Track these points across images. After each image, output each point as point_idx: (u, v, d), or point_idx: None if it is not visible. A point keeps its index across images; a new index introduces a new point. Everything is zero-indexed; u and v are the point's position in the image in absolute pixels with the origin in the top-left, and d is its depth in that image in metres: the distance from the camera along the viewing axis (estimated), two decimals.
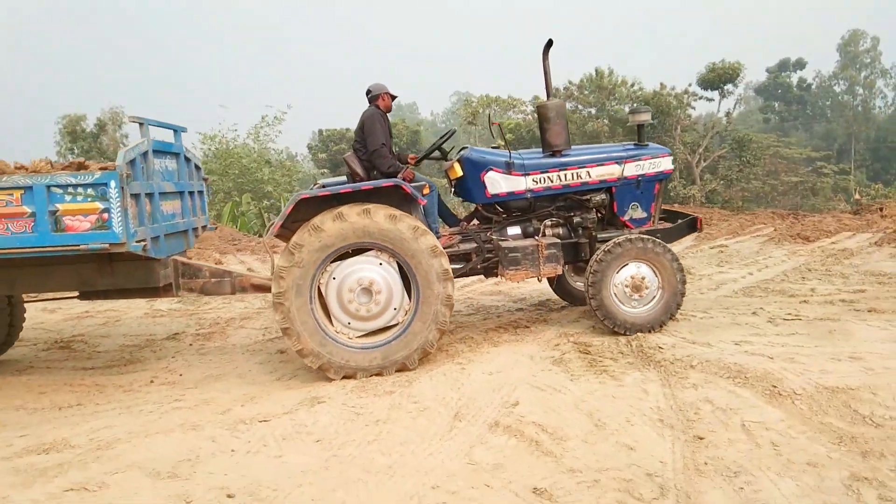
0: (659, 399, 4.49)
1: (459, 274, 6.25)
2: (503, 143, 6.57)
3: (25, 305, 7.22)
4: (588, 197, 6.40)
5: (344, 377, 5.48)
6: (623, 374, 5.03)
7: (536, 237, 6.20)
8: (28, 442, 4.43)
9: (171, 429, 4.54)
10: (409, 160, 6.34)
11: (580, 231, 6.41)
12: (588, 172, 6.32)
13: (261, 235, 19.25)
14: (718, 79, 26.95)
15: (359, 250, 5.61)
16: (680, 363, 5.11)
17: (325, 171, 33.25)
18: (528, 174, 6.27)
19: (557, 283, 7.47)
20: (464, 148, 6.60)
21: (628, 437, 3.98)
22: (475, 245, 6.26)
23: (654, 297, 6.00)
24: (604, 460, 3.72)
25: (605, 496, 3.34)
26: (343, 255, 5.61)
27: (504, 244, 6.10)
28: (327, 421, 4.59)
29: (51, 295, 6.82)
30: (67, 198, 5.04)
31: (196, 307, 9.55)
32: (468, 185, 6.33)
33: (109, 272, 5.75)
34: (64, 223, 5.06)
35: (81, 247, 5.05)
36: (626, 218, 6.48)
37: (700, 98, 27.49)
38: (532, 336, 6.27)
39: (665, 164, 6.44)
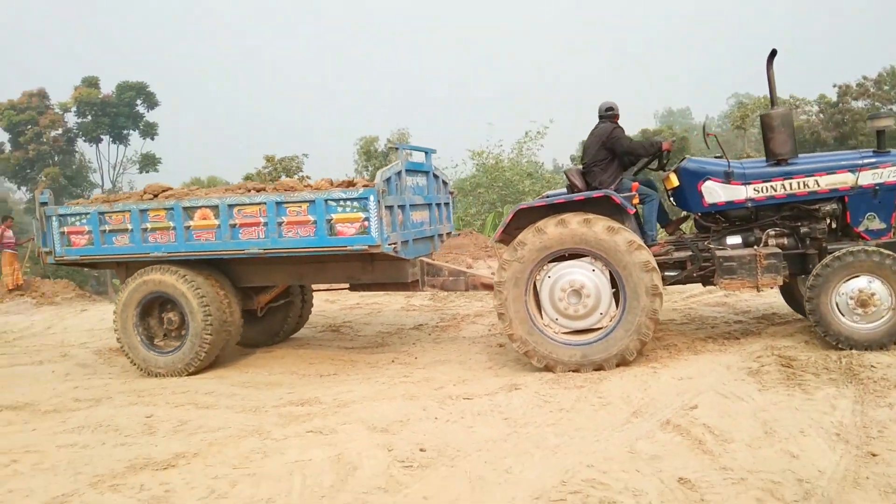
0: (845, 415, 4.36)
1: (673, 282, 6.40)
2: (722, 153, 6.54)
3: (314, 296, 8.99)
4: (817, 206, 6.17)
5: (545, 367, 6.03)
6: (817, 388, 4.89)
7: (756, 247, 6.12)
8: (292, 397, 5.78)
9: (394, 397, 5.56)
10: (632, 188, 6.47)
11: (808, 241, 6.20)
12: (816, 181, 6.12)
13: None
14: None
15: (575, 255, 6.07)
16: (885, 382, 4.81)
17: None
18: (749, 183, 6.21)
19: (790, 295, 7.25)
20: (682, 159, 6.75)
21: (795, 446, 4.00)
22: (690, 254, 6.33)
23: (883, 316, 5.65)
24: (760, 463, 3.83)
25: (746, 493, 3.50)
26: (561, 258, 6.12)
27: (720, 253, 6.10)
28: (518, 404, 5.23)
29: (335, 286, 8.34)
30: (339, 209, 6.36)
31: (443, 304, 10.81)
32: (685, 195, 6.43)
33: (370, 269, 6.96)
34: (336, 229, 6.39)
35: (348, 248, 6.37)
36: (860, 229, 6.14)
37: None
38: (737, 347, 6.23)
39: None
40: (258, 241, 6.57)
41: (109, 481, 4.09)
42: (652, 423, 4.60)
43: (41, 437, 5.08)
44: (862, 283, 5.64)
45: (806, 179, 6.13)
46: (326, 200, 6.35)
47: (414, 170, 7.23)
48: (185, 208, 6.76)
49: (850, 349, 5.60)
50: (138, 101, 40.16)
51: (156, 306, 7.22)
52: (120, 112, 39.32)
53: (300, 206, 6.46)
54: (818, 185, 6.11)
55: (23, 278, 13.76)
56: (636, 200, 6.24)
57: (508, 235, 6.43)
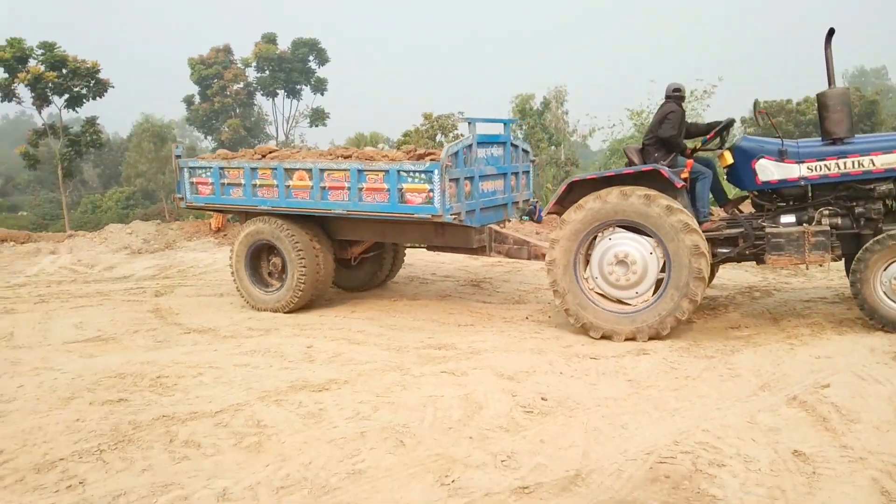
0: None
1: (724, 259, 6.50)
2: (776, 131, 6.54)
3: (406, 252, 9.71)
4: (872, 186, 6.07)
5: (602, 337, 6.23)
6: None
7: (806, 225, 6.10)
8: (431, 341, 6.31)
9: (523, 350, 5.92)
10: (686, 153, 6.72)
11: (862, 222, 6.10)
12: (872, 161, 6.00)
13: None
14: None
15: (625, 227, 6.23)
16: None
17: None
18: (803, 162, 6.18)
19: None
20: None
21: None
22: (742, 230, 6.34)
23: None
24: (884, 446, 3.78)
25: (862, 472, 3.51)
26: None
27: (770, 230, 6.15)
28: (645, 367, 5.39)
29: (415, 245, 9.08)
30: (409, 180, 6.92)
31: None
32: (739, 173, 6.46)
33: (442, 233, 7.59)
34: (406, 197, 6.97)
35: (414, 216, 7.01)
36: None
37: None
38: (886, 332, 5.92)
39: None
40: (342, 203, 7.36)
41: (274, 396, 4.84)
42: (778, 398, 4.61)
43: (221, 357, 5.99)
44: None
45: (861, 159, 6.03)
46: (399, 171, 6.95)
47: (488, 142, 7.62)
48: (285, 169, 7.67)
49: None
50: (311, 58, 42.64)
51: (264, 251, 8.24)
52: (294, 68, 42.01)
53: (377, 175, 7.12)
54: (873, 165, 6.00)
55: (224, 222, 15.41)
56: (685, 175, 6.31)
57: (563, 208, 6.60)
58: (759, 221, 6.37)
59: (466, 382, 5.04)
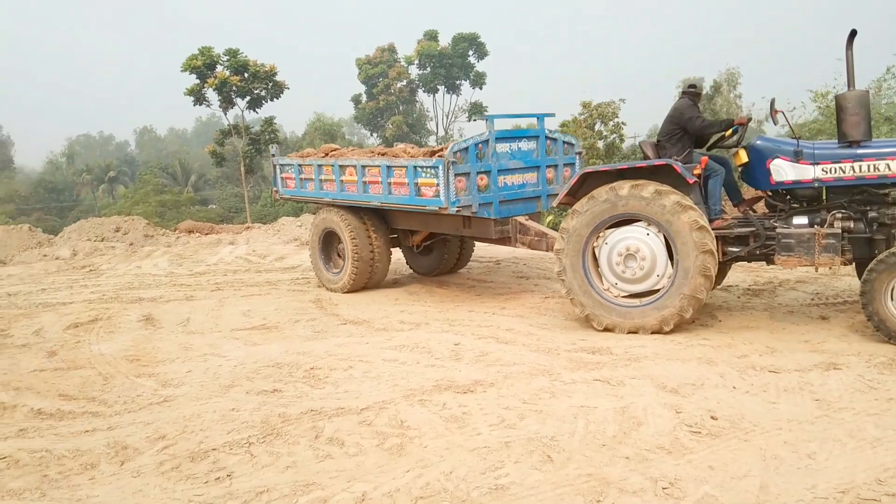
0: None
1: (735, 257, 6.45)
2: (791, 132, 6.51)
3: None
4: (887, 191, 5.94)
5: (605, 329, 6.30)
6: None
7: (818, 226, 6.03)
8: (584, 344, 5.91)
9: (689, 359, 5.35)
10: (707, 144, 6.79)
11: (875, 227, 5.98)
12: (888, 165, 5.86)
13: None
14: None
15: (634, 220, 6.26)
16: None
17: None
18: (818, 163, 6.10)
19: None
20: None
21: None
22: (753, 230, 6.28)
23: None
24: None
25: None
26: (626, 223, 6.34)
27: (781, 230, 6.11)
28: (835, 386, 4.65)
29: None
30: (423, 175, 7.50)
31: (758, 266, 9.92)
32: (753, 172, 6.41)
33: (468, 225, 7.98)
34: (422, 191, 7.56)
35: (426, 207, 7.62)
36: None
37: None
38: None
39: None
40: (378, 196, 8.21)
41: (419, 395, 4.71)
42: None
43: (371, 350, 6.00)
44: None
45: (876, 163, 5.92)
46: (415, 167, 7.59)
47: (514, 136, 8.07)
48: (340, 166, 8.65)
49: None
50: (470, 52, 43.05)
51: (335, 238, 9.16)
52: (454, 63, 42.63)
53: (401, 170, 7.79)
54: (889, 170, 5.87)
55: None
56: (697, 171, 6.27)
57: (574, 199, 6.62)
58: (772, 222, 6.31)
59: (623, 394, 4.60)
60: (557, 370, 5.12)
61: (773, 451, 3.71)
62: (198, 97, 27.94)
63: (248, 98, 28.53)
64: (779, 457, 3.64)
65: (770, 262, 6.40)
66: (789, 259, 6.07)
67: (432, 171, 7.38)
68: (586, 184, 6.56)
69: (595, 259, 6.52)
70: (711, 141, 6.89)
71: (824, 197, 6.31)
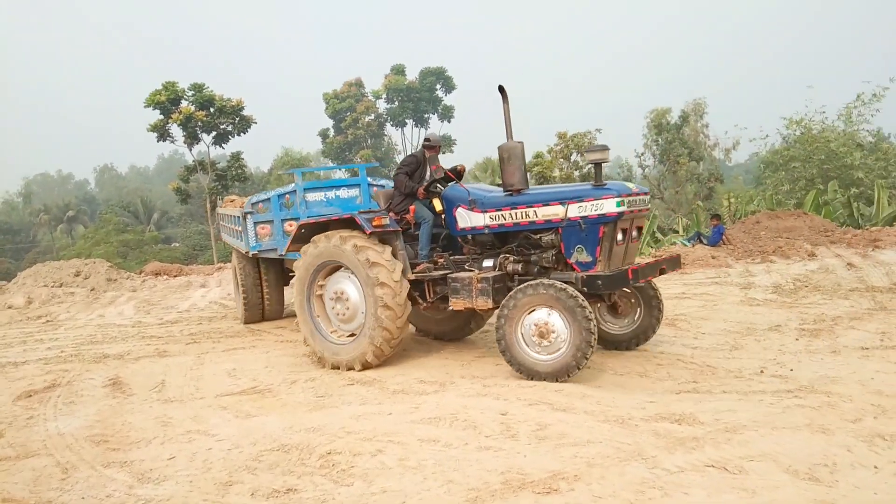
0: None
1: (436, 299, 6.77)
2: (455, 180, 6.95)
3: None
4: (539, 236, 6.32)
5: (333, 367, 6.83)
6: None
7: (476, 271, 6.46)
8: (657, 408, 4.87)
9: (796, 427, 4.37)
10: (419, 194, 6.98)
11: (536, 269, 6.36)
12: (535, 212, 6.28)
13: (849, 226, 17.32)
14: None
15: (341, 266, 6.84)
16: None
17: None
18: (486, 211, 6.55)
19: None
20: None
21: None
22: (448, 272, 6.65)
23: (560, 348, 5.64)
24: None
25: None
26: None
27: (452, 275, 6.51)
28: None
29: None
30: (236, 223, 9.39)
31: (793, 300, 9.12)
32: (448, 219, 6.88)
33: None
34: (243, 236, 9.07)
35: (242, 250, 9.40)
36: (572, 260, 6.13)
37: None
38: None
39: (608, 206, 5.87)
40: (232, 240, 9.88)
41: (488, 500, 3.56)
42: None
43: (398, 424, 4.88)
44: (542, 315, 5.70)
45: (527, 210, 6.32)
46: (233, 216, 9.35)
47: (329, 186, 9.07)
48: (230, 216, 9.99)
49: (533, 379, 5.70)
50: (437, 86, 42.53)
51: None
52: (422, 97, 42.05)
53: (233, 219, 9.47)
54: (536, 216, 6.27)
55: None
56: (377, 221, 6.56)
57: (299, 246, 7.19)
58: (465, 266, 6.68)
59: (751, 486, 3.53)
60: (650, 451, 4.05)
61: None
62: (161, 133, 26.62)
63: (213, 133, 27.31)
64: None
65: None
66: (458, 301, 6.38)
67: (238, 220, 8.60)
68: (306, 232, 7.13)
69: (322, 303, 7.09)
70: (422, 188, 7.06)
71: (496, 242, 6.69)
